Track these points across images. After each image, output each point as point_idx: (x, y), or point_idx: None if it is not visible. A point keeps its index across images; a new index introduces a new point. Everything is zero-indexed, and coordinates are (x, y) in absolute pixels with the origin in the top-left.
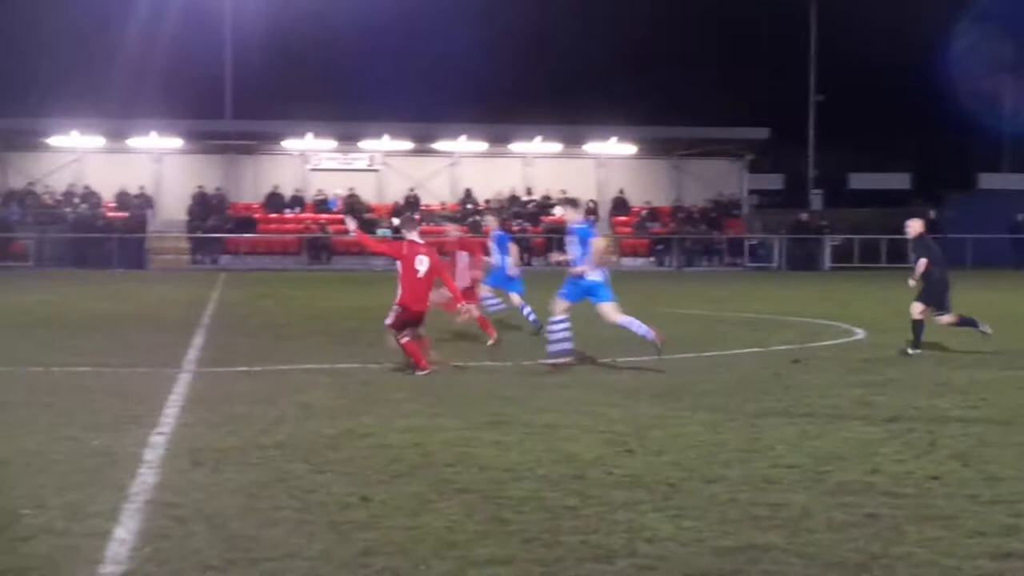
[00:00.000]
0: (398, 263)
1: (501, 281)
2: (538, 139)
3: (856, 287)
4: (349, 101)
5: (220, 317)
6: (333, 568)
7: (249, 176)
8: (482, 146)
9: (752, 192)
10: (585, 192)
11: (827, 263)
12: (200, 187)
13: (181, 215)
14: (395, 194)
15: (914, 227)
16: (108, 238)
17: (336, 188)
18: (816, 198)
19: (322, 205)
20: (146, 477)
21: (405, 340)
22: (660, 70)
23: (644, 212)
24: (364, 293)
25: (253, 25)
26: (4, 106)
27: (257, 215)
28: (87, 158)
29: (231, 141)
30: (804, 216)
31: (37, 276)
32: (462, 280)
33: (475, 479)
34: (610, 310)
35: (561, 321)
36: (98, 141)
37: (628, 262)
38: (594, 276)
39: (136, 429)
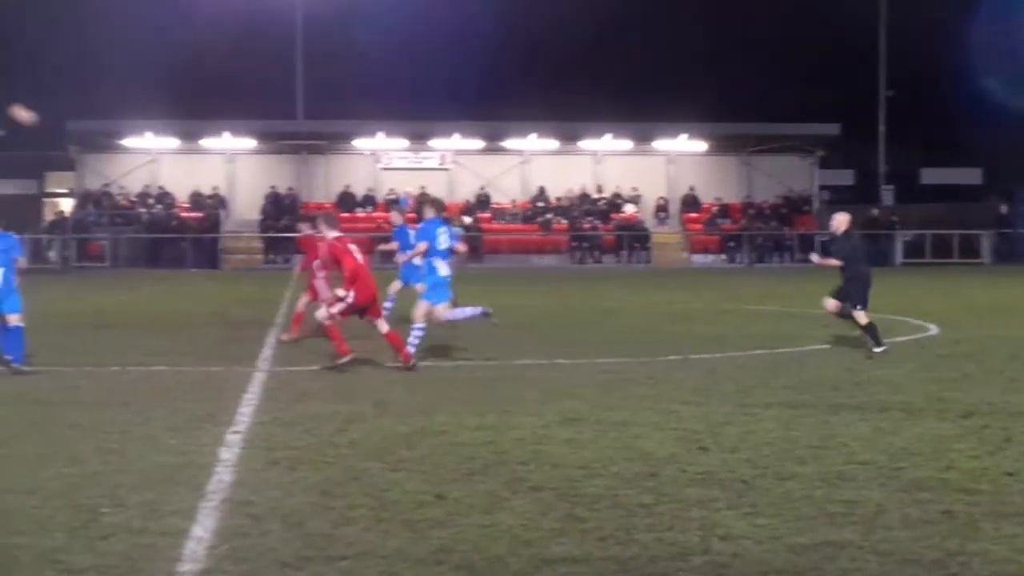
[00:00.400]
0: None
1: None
2: (608, 136)
3: (928, 282)
4: (419, 100)
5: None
6: (408, 566)
7: (321, 176)
8: (553, 144)
9: (823, 188)
10: (656, 189)
11: (899, 259)
12: (273, 187)
13: (254, 215)
14: (466, 192)
15: (840, 221)
16: (182, 238)
17: (407, 187)
18: (887, 194)
19: (394, 204)
20: (222, 476)
21: (331, 324)
22: (730, 66)
23: (715, 209)
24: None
25: (324, 24)
26: (80, 108)
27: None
28: (161, 159)
29: (303, 141)
30: (875, 212)
31: (113, 276)
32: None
33: (549, 477)
34: (442, 310)
35: (421, 328)
36: (172, 142)
37: (699, 259)
38: (444, 272)
39: (212, 428)
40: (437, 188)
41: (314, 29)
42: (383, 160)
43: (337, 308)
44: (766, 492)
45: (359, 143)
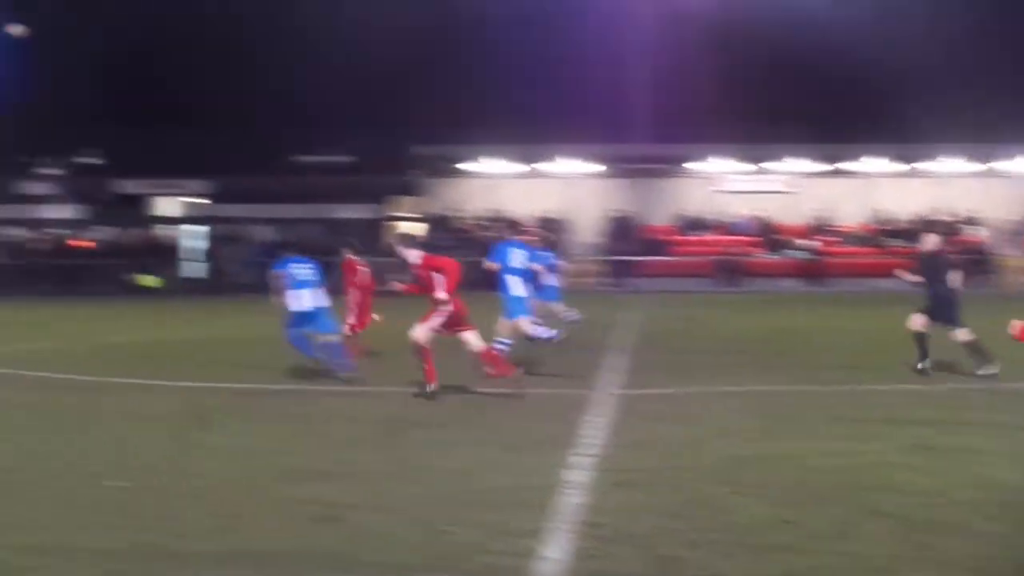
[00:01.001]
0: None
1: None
2: (954, 158)
3: None
4: (757, 122)
5: (634, 339)
6: None
7: (658, 199)
8: (894, 166)
9: None
10: (1005, 212)
11: None
12: (612, 210)
13: (593, 238)
14: (804, 215)
15: (931, 242)
16: None
17: (745, 209)
18: None
19: (732, 227)
20: (568, 497)
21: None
22: None
23: None
24: (777, 314)
25: (658, 48)
26: (427, 135)
27: (667, 237)
28: (502, 183)
29: (641, 164)
30: None
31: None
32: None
33: (899, 503)
34: (524, 325)
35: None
36: (512, 167)
37: None
38: (518, 290)
39: (555, 449)
40: (774, 210)
41: (653, 53)
42: (721, 183)
43: (437, 320)
44: None
45: (696, 166)
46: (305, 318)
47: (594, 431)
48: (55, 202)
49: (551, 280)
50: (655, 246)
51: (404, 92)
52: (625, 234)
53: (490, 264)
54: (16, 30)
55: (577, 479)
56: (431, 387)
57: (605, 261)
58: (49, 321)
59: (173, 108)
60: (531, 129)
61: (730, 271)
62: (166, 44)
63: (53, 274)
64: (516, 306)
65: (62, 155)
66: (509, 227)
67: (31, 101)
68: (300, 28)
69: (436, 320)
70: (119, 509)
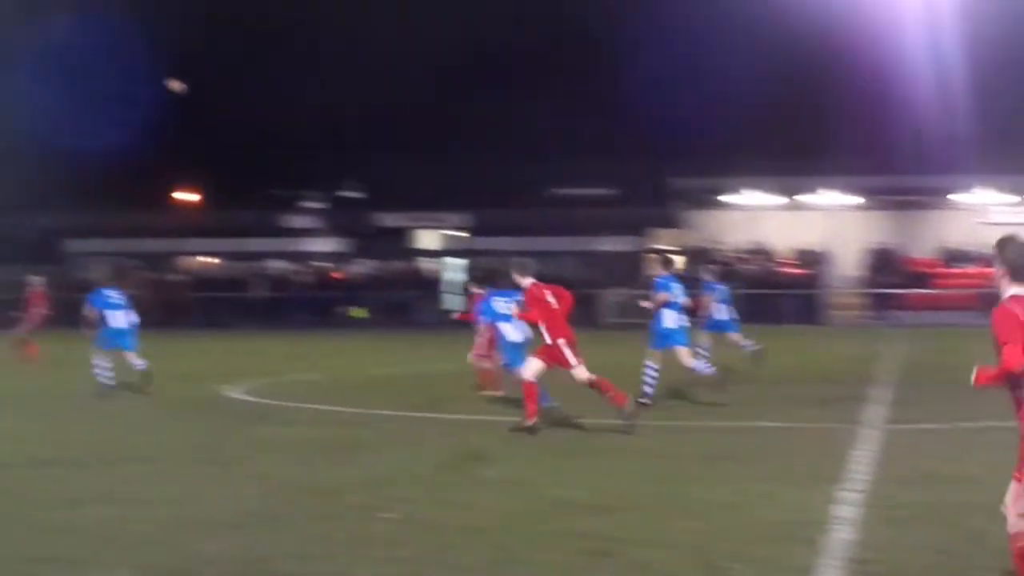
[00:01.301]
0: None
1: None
2: None
3: None
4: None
5: (900, 373)
6: None
7: (921, 231)
8: None
9: None
10: None
11: None
12: (874, 243)
13: (855, 271)
14: None
15: None
16: (781, 294)
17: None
18: None
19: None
20: (839, 533)
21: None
22: None
23: None
24: None
25: (921, 79)
26: (687, 166)
27: (930, 270)
28: (762, 215)
29: (903, 196)
30: None
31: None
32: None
33: None
34: (684, 354)
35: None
36: (772, 199)
37: None
38: (668, 322)
39: (825, 485)
40: None
41: (915, 83)
42: (985, 215)
43: (570, 352)
44: None
45: (959, 197)
46: (518, 348)
47: (861, 465)
48: (318, 235)
49: (721, 313)
50: (918, 279)
51: (664, 123)
52: (887, 267)
53: (659, 296)
54: (176, 86)
55: (847, 514)
56: (626, 410)
57: (867, 294)
58: (315, 353)
59: (433, 141)
60: (792, 161)
61: (995, 304)
62: (427, 78)
63: (317, 306)
64: (669, 337)
65: (324, 189)
66: (664, 262)
67: (295, 136)
68: (559, 63)
69: (570, 354)
70: (392, 541)
